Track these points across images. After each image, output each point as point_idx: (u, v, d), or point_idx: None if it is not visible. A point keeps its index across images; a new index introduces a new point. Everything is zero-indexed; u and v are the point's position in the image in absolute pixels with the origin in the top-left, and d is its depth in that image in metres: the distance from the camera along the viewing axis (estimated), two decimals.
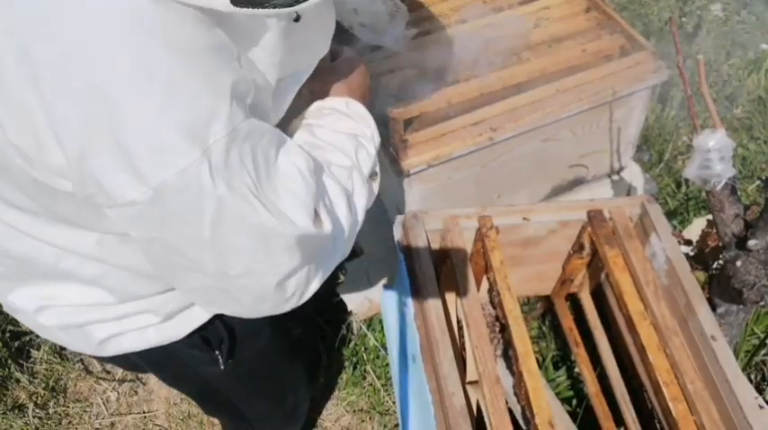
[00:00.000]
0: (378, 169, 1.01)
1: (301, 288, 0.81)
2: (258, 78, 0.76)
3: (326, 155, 0.90)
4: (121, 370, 1.99)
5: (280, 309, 0.83)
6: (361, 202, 0.92)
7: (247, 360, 1.16)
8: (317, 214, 0.80)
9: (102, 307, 0.93)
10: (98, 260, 0.86)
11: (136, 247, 0.78)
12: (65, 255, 0.86)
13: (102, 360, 1.26)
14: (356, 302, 1.89)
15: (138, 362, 1.11)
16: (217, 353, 1.07)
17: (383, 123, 1.58)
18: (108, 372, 2.01)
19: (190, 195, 0.66)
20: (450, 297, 1.46)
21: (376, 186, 1.01)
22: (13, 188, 0.77)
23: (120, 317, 0.95)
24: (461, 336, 1.49)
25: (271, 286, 0.76)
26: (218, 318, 1.04)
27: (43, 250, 0.85)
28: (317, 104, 1.00)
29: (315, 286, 0.85)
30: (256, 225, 0.71)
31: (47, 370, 1.98)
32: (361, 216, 0.93)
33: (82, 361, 2.02)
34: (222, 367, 1.10)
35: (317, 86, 1.01)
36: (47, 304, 0.92)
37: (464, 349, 1.49)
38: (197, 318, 1.01)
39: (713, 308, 1.35)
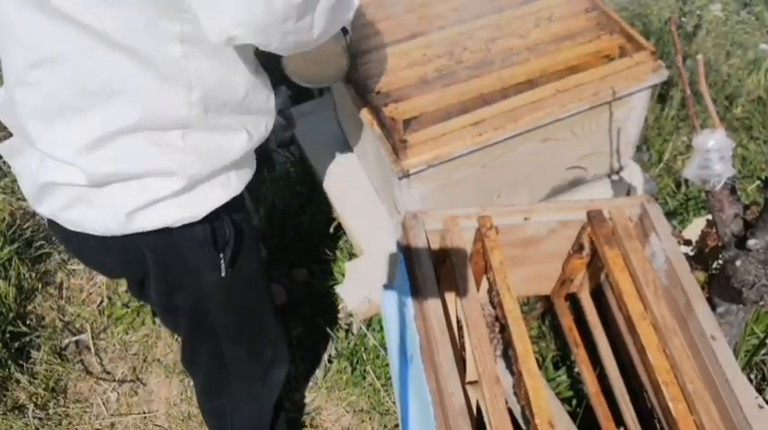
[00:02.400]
0: None
1: None
2: None
3: None
4: (121, 371, 2.00)
5: (272, 9, 0.89)
6: None
7: (241, 278, 1.26)
8: None
9: (133, 139, 1.00)
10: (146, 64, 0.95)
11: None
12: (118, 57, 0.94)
13: (109, 269, 1.36)
14: (356, 302, 1.89)
15: (146, 266, 1.21)
16: (221, 256, 1.17)
17: (382, 124, 1.59)
18: (108, 373, 2.01)
19: None
20: (450, 297, 1.46)
21: None
22: None
23: (144, 177, 1.03)
24: (461, 337, 1.49)
25: None
26: (227, 215, 1.15)
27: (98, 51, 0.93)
28: None
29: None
30: None
31: (47, 370, 1.98)
32: None
33: (82, 361, 2.03)
34: (223, 274, 1.19)
35: None
36: (93, 142, 0.99)
37: (464, 349, 1.50)
38: (215, 197, 1.11)
39: (713, 307, 1.35)
